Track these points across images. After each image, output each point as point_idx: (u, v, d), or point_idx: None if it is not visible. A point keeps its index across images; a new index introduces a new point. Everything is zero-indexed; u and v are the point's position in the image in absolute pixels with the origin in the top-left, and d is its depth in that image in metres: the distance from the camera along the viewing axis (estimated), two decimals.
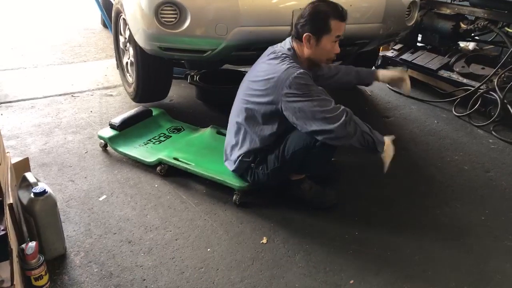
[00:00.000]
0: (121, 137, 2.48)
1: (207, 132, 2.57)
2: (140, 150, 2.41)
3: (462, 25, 3.46)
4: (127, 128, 2.53)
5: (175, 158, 2.26)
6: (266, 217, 1.98)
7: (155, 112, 2.76)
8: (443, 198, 2.20)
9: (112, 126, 2.52)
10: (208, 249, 1.77)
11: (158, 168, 2.27)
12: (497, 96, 3.01)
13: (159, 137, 2.55)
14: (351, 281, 1.64)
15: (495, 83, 3.05)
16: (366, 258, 1.76)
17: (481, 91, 3.13)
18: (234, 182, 2.06)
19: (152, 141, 2.51)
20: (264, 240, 1.84)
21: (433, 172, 2.44)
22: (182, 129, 2.66)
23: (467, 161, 2.57)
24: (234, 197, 2.05)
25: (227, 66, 3.16)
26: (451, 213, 2.08)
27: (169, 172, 2.26)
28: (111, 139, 2.44)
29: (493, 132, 2.94)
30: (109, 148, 2.49)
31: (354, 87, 3.77)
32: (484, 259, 1.78)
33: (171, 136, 2.57)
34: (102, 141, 2.49)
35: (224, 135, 2.51)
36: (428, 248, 1.83)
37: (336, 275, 1.67)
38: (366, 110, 3.33)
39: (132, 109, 2.71)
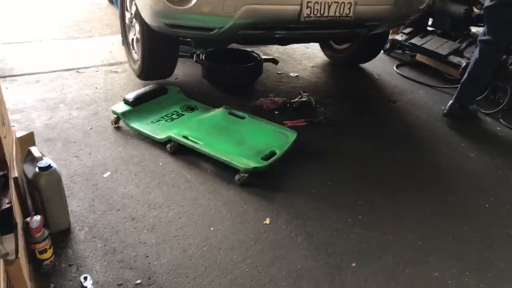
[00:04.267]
0: (134, 113, 2.48)
1: (219, 112, 2.55)
2: (152, 127, 2.41)
3: (475, 10, 3.38)
4: (140, 105, 2.53)
5: (184, 136, 2.25)
6: (270, 198, 1.99)
7: (169, 89, 2.76)
8: (448, 185, 2.19)
9: (126, 102, 2.52)
10: (211, 228, 1.78)
11: (168, 145, 2.27)
12: (507, 84, 2.97)
13: (172, 115, 2.55)
14: (353, 264, 1.64)
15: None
16: (368, 241, 1.77)
17: None
18: (239, 163, 2.06)
19: (164, 119, 2.50)
20: (267, 221, 1.84)
21: (439, 159, 2.42)
22: (196, 108, 2.65)
23: (473, 148, 2.55)
24: (237, 176, 2.05)
25: (233, 45, 3.12)
26: (455, 200, 2.08)
27: (178, 151, 2.25)
28: (124, 114, 2.44)
29: (501, 120, 2.91)
30: (116, 125, 2.48)
31: (361, 70, 3.73)
32: (486, 247, 1.78)
33: (183, 115, 2.56)
34: (114, 116, 2.48)
35: (236, 116, 2.51)
36: (431, 234, 1.83)
37: (338, 257, 1.67)
38: (373, 94, 3.30)
39: (139, 86, 2.69)
